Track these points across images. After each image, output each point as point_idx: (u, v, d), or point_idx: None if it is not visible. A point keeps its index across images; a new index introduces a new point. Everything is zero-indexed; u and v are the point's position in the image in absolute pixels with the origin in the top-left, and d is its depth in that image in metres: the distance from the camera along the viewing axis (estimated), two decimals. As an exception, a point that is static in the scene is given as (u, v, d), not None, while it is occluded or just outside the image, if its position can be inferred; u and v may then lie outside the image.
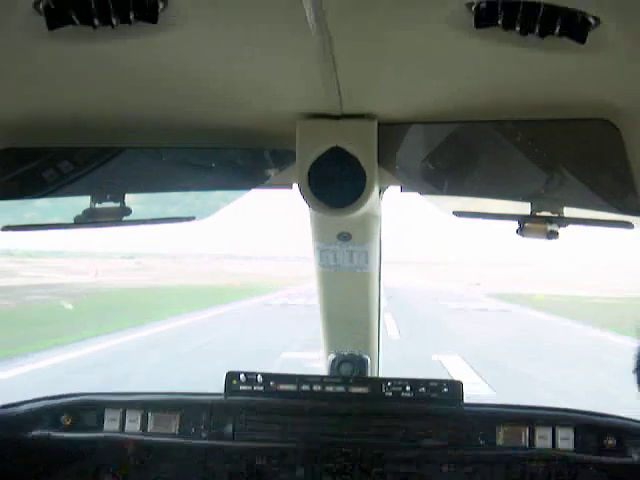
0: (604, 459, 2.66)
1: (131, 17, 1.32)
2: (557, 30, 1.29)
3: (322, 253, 2.66)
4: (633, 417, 2.71)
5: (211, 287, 44.16)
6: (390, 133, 2.05)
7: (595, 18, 1.27)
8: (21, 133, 2.07)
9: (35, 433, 2.76)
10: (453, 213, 2.34)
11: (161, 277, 54.36)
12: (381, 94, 1.88)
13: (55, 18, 1.32)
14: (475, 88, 1.74)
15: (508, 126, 1.95)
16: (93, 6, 1.30)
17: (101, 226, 2.42)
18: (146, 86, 1.82)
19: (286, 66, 1.67)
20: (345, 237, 2.54)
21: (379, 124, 2.02)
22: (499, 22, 1.29)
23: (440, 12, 1.32)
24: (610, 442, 2.69)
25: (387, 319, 24.36)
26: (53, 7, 1.30)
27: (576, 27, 1.29)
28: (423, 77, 1.70)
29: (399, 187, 2.43)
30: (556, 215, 2.17)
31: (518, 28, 1.30)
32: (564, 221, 2.17)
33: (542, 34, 1.30)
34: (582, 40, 1.30)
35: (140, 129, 2.13)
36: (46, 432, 2.77)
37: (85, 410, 2.88)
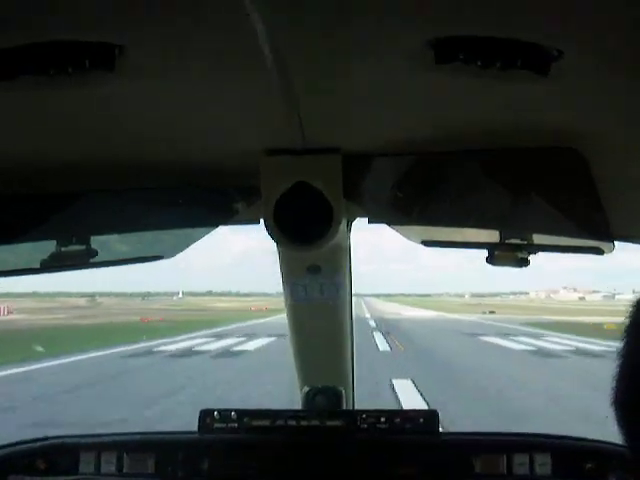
0: None
1: (87, 64, 1.30)
2: (519, 63, 1.29)
3: (292, 287, 2.64)
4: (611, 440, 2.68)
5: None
6: (355, 166, 2.04)
7: (558, 50, 1.26)
8: None
9: (11, 478, 2.70)
10: (422, 242, 2.33)
11: (87, 315, 54.37)
12: (344, 128, 1.87)
13: (10, 68, 1.30)
14: (438, 120, 1.74)
15: (474, 156, 1.95)
16: (48, 55, 1.28)
17: (68, 269, 2.39)
18: (108, 130, 1.80)
19: (245, 104, 1.66)
20: (314, 270, 2.51)
21: (343, 157, 2.00)
22: (460, 57, 1.28)
23: (399, 49, 1.30)
24: (589, 466, 2.67)
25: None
26: (7, 58, 1.28)
27: (538, 60, 1.29)
28: (385, 111, 1.69)
29: (366, 219, 2.43)
30: (525, 242, 2.17)
31: (479, 63, 1.29)
32: (534, 248, 2.17)
33: (504, 68, 1.30)
34: (545, 72, 1.30)
35: (104, 172, 2.11)
36: (20, 477, 2.70)
37: (60, 453, 2.83)
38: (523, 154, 1.86)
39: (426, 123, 1.78)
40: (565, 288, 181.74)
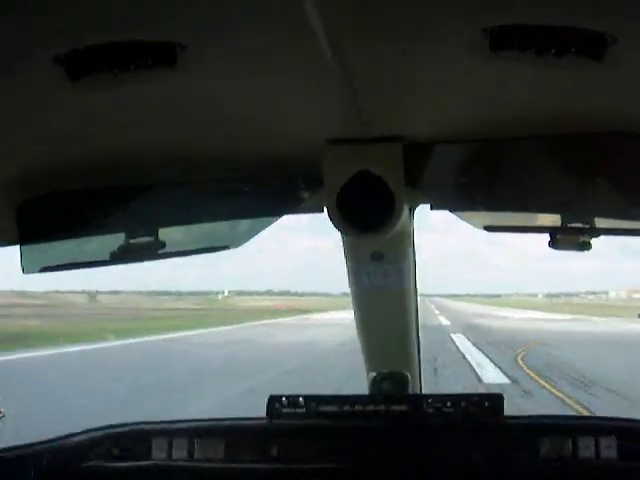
0: None
1: (150, 62, 1.36)
2: (573, 50, 1.30)
3: (356, 274, 2.67)
4: None
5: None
6: (416, 153, 2.06)
7: (612, 36, 1.27)
8: (59, 178, 2.14)
9: (90, 464, 2.80)
10: (484, 228, 2.34)
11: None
12: (404, 117, 1.90)
13: (76, 68, 1.37)
14: (495, 107, 1.76)
15: (532, 141, 1.95)
16: (112, 54, 1.35)
17: (136, 261, 2.48)
18: (172, 125, 1.86)
19: (306, 96, 1.69)
20: (378, 257, 2.54)
21: (405, 146, 2.03)
22: (514, 45, 1.30)
23: (456, 39, 1.33)
24: None
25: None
26: (73, 58, 1.35)
27: (593, 46, 1.30)
28: (444, 99, 1.72)
29: (429, 205, 2.45)
30: (587, 226, 2.17)
31: (534, 50, 1.31)
32: (596, 232, 2.16)
33: (558, 54, 1.31)
34: (599, 58, 1.31)
35: (170, 166, 2.18)
36: (101, 462, 2.81)
37: (134, 440, 2.92)
38: (583, 139, 1.86)
39: (482, 111, 1.80)
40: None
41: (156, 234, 2.40)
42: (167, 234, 2.45)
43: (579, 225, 2.16)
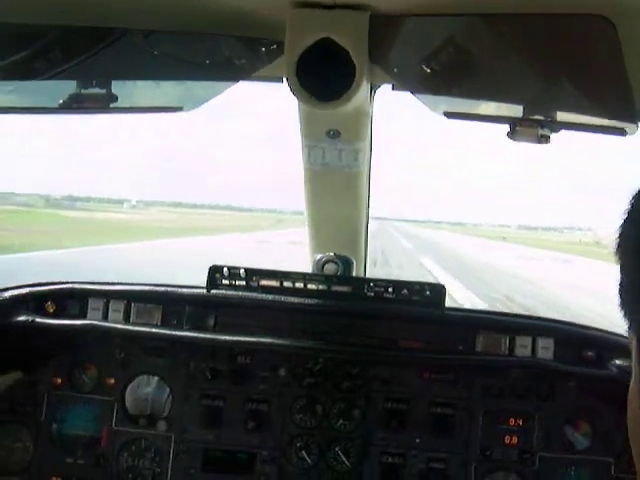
0: (583, 370, 2.69)
1: None
2: None
3: (310, 150, 2.62)
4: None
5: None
6: (383, 27, 1.98)
7: None
8: (8, 9, 2.00)
9: (19, 318, 2.78)
10: (444, 113, 2.29)
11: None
12: None
13: None
14: None
15: (503, 21, 1.88)
16: None
17: (87, 112, 2.39)
18: None
19: None
20: (334, 134, 2.49)
21: (372, 16, 1.95)
22: None
23: None
24: (590, 354, 2.71)
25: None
26: None
27: None
28: None
29: (391, 85, 2.39)
30: (548, 119, 2.13)
31: None
32: (556, 125, 2.13)
33: None
34: None
35: (126, 10, 2.06)
36: (30, 318, 2.79)
37: (69, 298, 2.91)
38: (551, 21, 1.79)
39: None
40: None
41: (109, 86, 2.31)
42: (120, 87, 2.35)
43: (539, 117, 2.12)
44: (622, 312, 1.15)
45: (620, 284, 1.15)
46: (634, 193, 1.13)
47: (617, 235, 1.15)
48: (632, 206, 1.13)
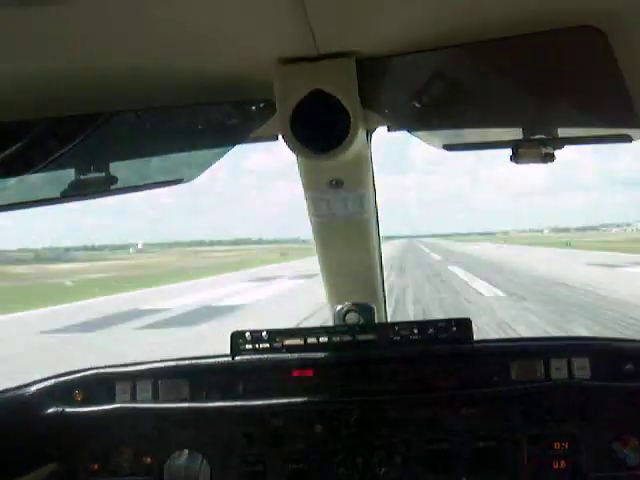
0: (622, 385, 2.64)
1: None
2: None
3: (315, 203, 2.61)
4: None
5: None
6: (371, 70, 1.99)
7: None
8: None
9: (49, 411, 2.76)
10: (444, 147, 2.29)
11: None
12: (355, 29, 1.81)
13: None
14: (451, 10, 1.67)
15: (491, 47, 1.88)
16: None
17: (89, 198, 2.39)
18: (118, 48, 1.76)
19: (254, 11, 1.60)
20: (336, 184, 2.48)
21: (359, 61, 1.95)
22: None
23: None
24: (628, 367, 2.67)
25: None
26: None
27: None
28: (393, 7, 1.63)
29: (386, 127, 2.39)
30: (550, 137, 2.11)
31: None
32: (559, 142, 2.11)
33: None
34: None
35: (116, 94, 2.07)
36: (60, 408, 2.77)
37: (96, 384, 2.90)
38: (540, 39, 1.78)
39: (437, 16, 1.71)
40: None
41: (107, 169, 2.32)
42: (118, 169, 2.36)
43: (541, 136, 2.11)
44: None
45: None
46: None
47: None
48: None
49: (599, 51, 1.69)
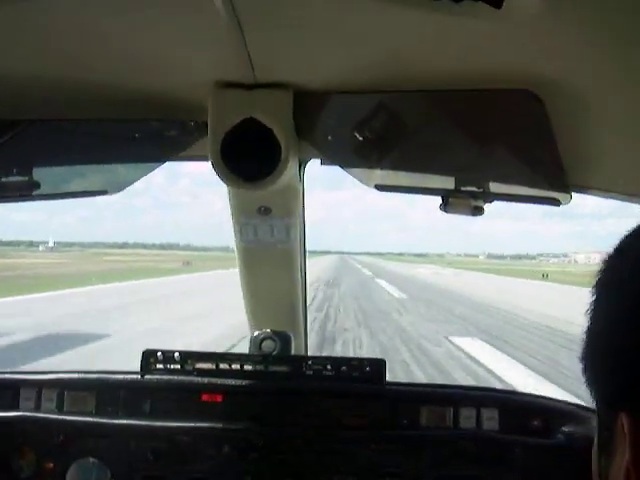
0: (530, 440, 2.64)
1: None
2: None
3: (242, 228, 2.57)
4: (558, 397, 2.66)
5: None
6: (308, 104, 1.96)
7: None
8: None
9: None
10: (375, 186, 2.27)
11: None
12: (294, 63, 1.78)
13: None
14: (388, 57, 1.66)
15: (431, 97, 1.87)
16: None
17: (9, 200, 2.32)
18: (50, 57, 1.71)
19: (193, 34, 1.56)
20: (265, 212, 2.45)
21: (295, 94, 1.92)
22: None
23: None
24: (536, 423, 2.67)
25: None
26: None
27: None
28: (334, 46, 1.61)
29: (319, 160, 2.36)
30: (481, 190, 2.11)
31: None
32: (489, 196, 2.11)
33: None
34: (498, 4, 1.22)
35: (46, 101, 2.01)
36: None
37: (0, 389, 2.79)
38: (478, 96, 1.78)
39: (374, 61, 1.70)
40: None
41: (30, 173, 2.25)
42: (42, 174, 2.29)
43: (472, 189, 2.10)
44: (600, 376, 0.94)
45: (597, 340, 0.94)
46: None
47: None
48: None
49: (535, 115, 1.70)
